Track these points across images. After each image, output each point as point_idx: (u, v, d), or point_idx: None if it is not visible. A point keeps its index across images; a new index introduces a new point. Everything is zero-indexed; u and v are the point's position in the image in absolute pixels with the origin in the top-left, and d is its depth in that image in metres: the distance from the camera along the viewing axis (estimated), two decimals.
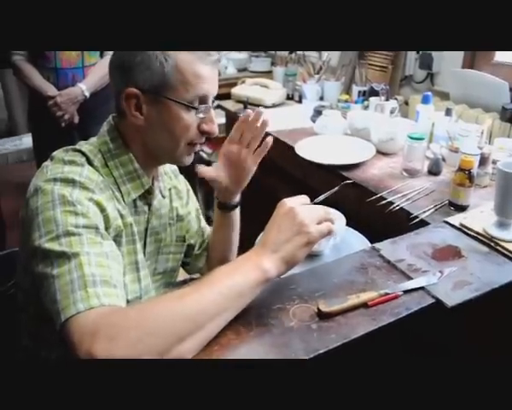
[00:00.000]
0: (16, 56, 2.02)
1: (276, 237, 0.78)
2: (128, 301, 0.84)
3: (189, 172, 1.19)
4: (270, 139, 1.03)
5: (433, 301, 0.82)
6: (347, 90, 2.35)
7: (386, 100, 1.96)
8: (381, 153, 1.72)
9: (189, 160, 0.98)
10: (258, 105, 2.37)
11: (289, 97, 2.55)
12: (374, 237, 1.11)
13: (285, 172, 1.99)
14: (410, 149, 1.52)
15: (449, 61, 1.99)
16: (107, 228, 0.84)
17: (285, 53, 2.73)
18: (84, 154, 0.89)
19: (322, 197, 0.90)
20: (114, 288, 0.74)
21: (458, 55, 1.96)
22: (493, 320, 0.92)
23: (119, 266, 0.81)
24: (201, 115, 0.91)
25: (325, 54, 2.46)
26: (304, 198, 0.85)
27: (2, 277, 1.08)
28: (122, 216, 0.90)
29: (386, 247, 0.99)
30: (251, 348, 0.71)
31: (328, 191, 0.92)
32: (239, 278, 0.74)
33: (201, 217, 1.21)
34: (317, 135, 1.90)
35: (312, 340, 0.72)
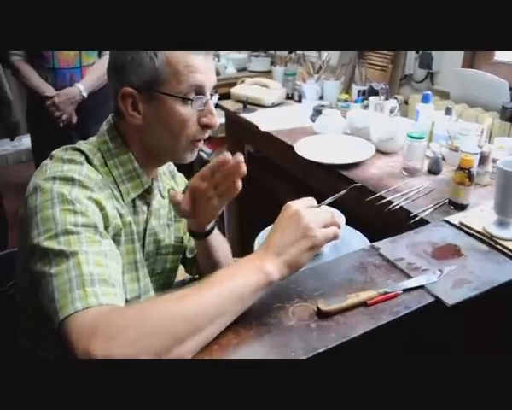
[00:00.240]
0: (14, 57, 2.02)
1: (279, 240, 0.77)
2: (127, 301, 0.84)
3: (187, 172, 1.19)
4: (239, 186, 0.89)
5: (433, 299, 0.82)
6: (347, 90, 2.35)
7: (386, 99, 1.96)
8: (380, 152, 1.71)
9: (191, 157, 0.96)
10: (257, 105, 2.38)
11: (289, 97, 2.55)
12: (373, 235, 1.11)
13: (285, 171, 1.99)
14: (409, 149, 1.52)
15: (449, 61, 1.98)
16: (106, 227, 0.84)
17: (284, 53, 2.73)
18: (83, 153, 0.89)
19: (329, 200, 0.88)
20: (113, 287, 0.74)
21: (458, 55, 1.96)
22: (493, 319, 0.92)
23: (118, 265, 0.81)
24: (199, 107, 0.90)
25: (325, 53, 2.46)
26: (310, 200, 0.83)
27: (2, 277, 1.08)
28: (121, 215, 0.90)
29: (385, 246, 0.99)
30: (250, 348, 0.71)
31: (333, 193, 0.89)
32: (240, 280, 0.72)
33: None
34: (317, 134, 1.90)
35: (312, 339, 0.72)
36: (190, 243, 1.16)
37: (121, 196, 0.92)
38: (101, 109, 1.92)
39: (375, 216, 1.36)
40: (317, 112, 2.05)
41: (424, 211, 1.27)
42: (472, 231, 1.06)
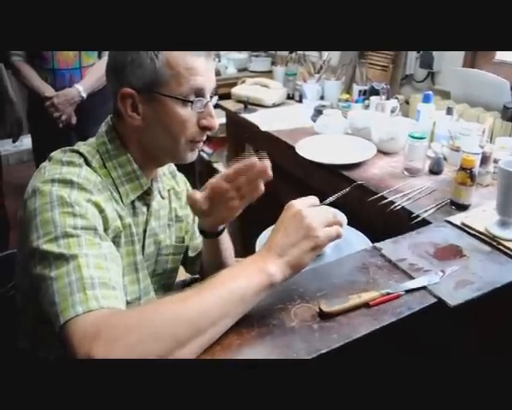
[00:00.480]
0: (15, 57, 2.02)
1: (282, 241, 0.76)
2: (127, 303, 0.83)
3: (188, 173, 1.19)
4: (262, 188, 0.91)
5: (436, 300, 0.81)
6: (348, 90, 2.35)
7: (387, 99, 1.96)
8: (381, 152, 1.71)
9: (192, 157, 0.96)
10: (258, 105, 2.38)
11: (290, 97, 2.55)
12: (375, 236, 1.10)
13: (285, 171, 1.98)
14: (411, 149, 1.52)
15: (450, 60, 1.98)
16: (105, 229, 0.84)
17: (285, 52, 2.73)
18: (81, 155, 0.89)
19: (331, 199, 0.88)
20: (113, 290, 0.74)
21: (459, 54, 1.96)
22: (496, 320, 0.91)
23: (118, 267, 0.80)
24: (199, 110, 0.90)
25: (325, 53, 2.45)
26: (312, 199, 0.83)
27: (3, 278, 1.07)
28: (121, 217, 0.90)
29: (387, 246, 0.99)
30: (252, 349, 0.71)
31: (334, 194, 0.89)
32: (242, 281, 0.72)
33: (196, 219, 1.15)
34: (318, 134, 1.90)
35: (314, 340, 0.72)
36: (192, 242, 1.16)
37: (120, 197, 0.91)
38: (100, 110, 1.91)
39: (377, 216, 1.36)
40: (318, 112, 2.05)
41: (426, 211, 1.27)
42: (474, 232, 1.05)
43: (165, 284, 1.09)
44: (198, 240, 1.16)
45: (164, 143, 0.92)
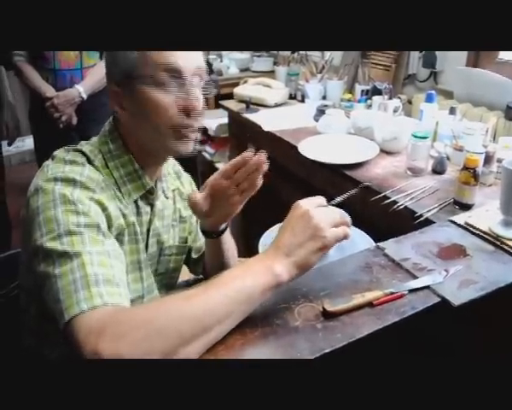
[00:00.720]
0: (17, 57, 2.02)
1: (289, 241, 0.75)
2: (130, 301, 0.83)
3: (191, 173, 1.19)
4: (260, 182, 0.91)
5: (439, 300, 0.81)
6: (350, 90, 2.35)
7: (390, 99, 1.96)
8: (384, 152, 1.71)
9: (184, 148, 0.90)
10: (260, 105, 2.38)
11: (292, 97, 2.55)
12: (378, 236, 1.10)
13: (288, 171, 1.99)
14: (414, 148, 1.51)
15: (452, 60, 1.98)
16: (109, 227, 0.84)
17: (287, 52, 2.73)
18: (84, 154, 0.89)
19: (338, 199, 0.86)
20: (117, 287, 0.74)
21: (462, 54, 1.95)
22: (499, 319, 0.91)
23: (122, 264, 0.81)
24: (176, 92, 0.86)
25: (328, 53, 2.45)
26: (320, 199, 0.82)
27: (6, 278, 1.07)
28: (124, 215, 0.90)
29: (390, 246, 0.99)
30: (256, 349, 0.71)
31: (336, 193, 0.88)
32: (248, 280, 0.71)
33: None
34: (320, 134, 1.90)
35: (317, 339, 0.72)
36: (195, 243, 1.16)
37: (123, 197, 0.91)
38: (101, 111, 1.92)
39: (380, 216, 1.35)
40: (321, 112, 2.05)
41: (429, 211, 1.27)
42: (477, 231, 1.05)
43: (167, 283, 1.09)
44: (201, 241, 1.16)
45: (148, 135, 0.89)
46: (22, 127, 2.44)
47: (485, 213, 1.14)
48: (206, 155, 3.01)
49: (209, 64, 3.01)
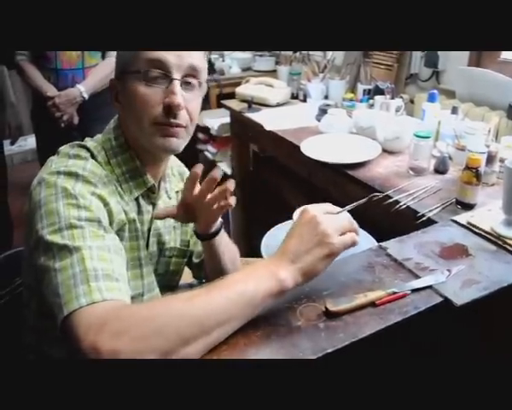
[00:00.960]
0: (20, 57, 2.03)
1: (295, 247, 0.75)
2: (131, 298, 0.83)
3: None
4: (231, 201, 0.90)
5: (442, 299, 0.81)
6: (352, 89, 2.35)
7: (392, 98, 1.95)
8: (386, 151, 1.71)
9: (164, 143, 0.88)
10: (262, 104, 2.38)
11: (294, 96, 2.55)
12: (380, 235, 1.10)
13: (290, 170, 1.99)
14: (416, 148, 1.51)
15: (455, 59, 1.97)
16: (110, 222, 0.84)
17: (289, 52, 2.72)
18: (88, 149, 0.90)
19: (348, 207, 0.86)
20: (117, 281, 0.74)
21: (464, 53, 1.95)
22: (502, 319, 0.91)
23: (122, 259, 0.81)
24: (160, 85, 0.85)
25: (330, 53, 2.45)
26: (328, 206, 0.82)
27: (7, 277, 1.08)
28: (125, 212, 0.90)
29: (393, 246, 0.99)
30: (258, 349, 0.71)
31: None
32: (252, 284, 0.71)
33: None
34: (323, 134, 1.90)
35: (320, 339, 0.72)
36: (196, 247, 1.15)
37: (124, 193, 0.92)
38: (103, 111, 1.92)
39: (382, 216, 1.35)
40: (323, 111, 2.05)
41: (431, 211, 1.26)
42: (480, 231, 1.05)
43: (167, 285, 1.08)
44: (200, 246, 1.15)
45: (133, 127, 0.90)
46: (24, 126, 2.45)
47: (488, 212, 1.14)
48: (208, 155, 3.02)
49: (211, 63, 3.02)
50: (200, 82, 0.91)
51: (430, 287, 0.84)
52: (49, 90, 2.01)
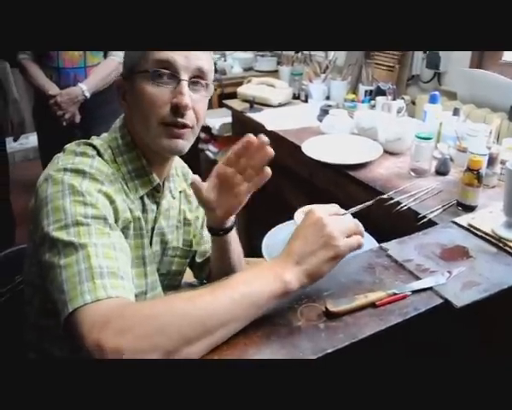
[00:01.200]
0: (22, 55, 2.03)
1: (300, 249, 0.74)
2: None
3: (194, 172, 1.19)
4: (268, 171, 0.89)
5: (442, 301, 0.81)
6: (354, 90, 2.35)
7: (393, 99, 1.96)
8: (388, 152, 1.71)
9: (170, 145, 0.89)
10: (264, 104, 2.38)
11: (295, 97, 2.55)
12: (381, 236, 1.10)
13: (291, 171, 1.99)
14: (417, 149, 1.51)
15: (456, 61, 1.98)
16: (116, 220, 0.85)
17: (291, 52, 2.73)
18: (95, 147, 0.90)
19: (354, 209, 0.85)
20: (121, 279, 0.74)
21: (466, 55, 1.95)
22: (502, 321, 0.91)
23: (127, 257, 0.81)
24: (167, 85, 0.86)
25: (331, 53, 2.45)
26: (334, 207, 0.81)
27: (9, 274, 1.08)
28: (131, 210, 0.91)
29: (393, 247, 0.99)
30: (259, 349, 0.71)
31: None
32: (256, 285, 0.71)
33: (205, 225, 1.05)
34: (324, 134, 1.90)
35: (320, 340, 0.72)
36: (199, 247, 1.15)
37: (130, 192, 0.92)
38: (105, 109, 1.93)
39: (383, 217, 1.35)
40: (324, 112, 2.05)
41: (432, 212, 1.27)
42: (480, 233, 1.05)
43: (169, 285, 1.08)
44: (206, 245, 1.15)
45: (140, 126, 0.90)
46: (26, 124, 2.45)
47: (489, 214, 1.14)
48: (210, 154, 3.02)
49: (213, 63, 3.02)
50: (207, 83, 0.91)
51: (430, 288, 0.84)
52: (51, 88, 2.02)
